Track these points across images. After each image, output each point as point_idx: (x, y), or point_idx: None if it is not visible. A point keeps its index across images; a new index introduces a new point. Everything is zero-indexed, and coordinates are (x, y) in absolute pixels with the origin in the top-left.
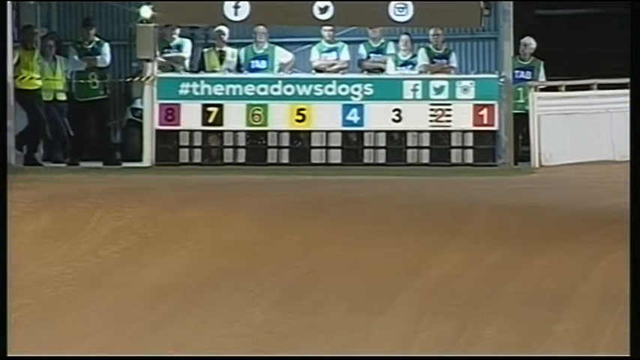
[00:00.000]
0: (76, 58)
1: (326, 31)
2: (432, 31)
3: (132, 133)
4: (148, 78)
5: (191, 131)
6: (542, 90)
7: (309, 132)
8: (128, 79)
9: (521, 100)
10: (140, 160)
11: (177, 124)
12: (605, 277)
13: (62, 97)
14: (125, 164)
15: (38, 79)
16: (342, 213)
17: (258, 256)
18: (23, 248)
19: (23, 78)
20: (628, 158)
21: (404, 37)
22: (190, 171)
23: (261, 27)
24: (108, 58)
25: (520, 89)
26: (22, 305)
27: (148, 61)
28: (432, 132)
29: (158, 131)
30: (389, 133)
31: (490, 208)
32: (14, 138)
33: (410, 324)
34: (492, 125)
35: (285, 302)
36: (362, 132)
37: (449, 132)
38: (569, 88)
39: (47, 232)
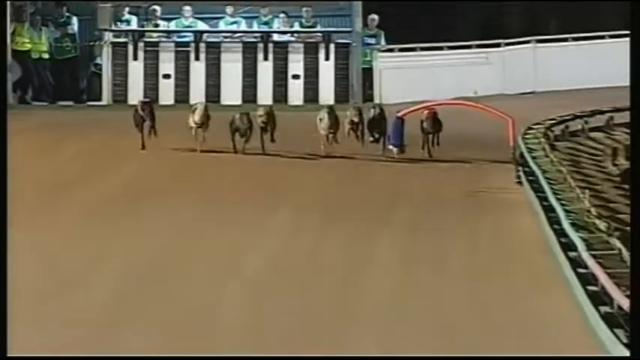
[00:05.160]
0: (52, 28)
1: (229, 8)
2: (304, 9)
3: (94, 81)
4: (106, 42)
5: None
6: (382, 51)
7: None
8: (92, 43)
9: (368, 58)
10: (100, 100)
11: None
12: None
13: (46, 56)
14: (90, 103)
15: (28, 43)
16: None
17: (192, 168)
18: (16, 160)
19: (17, 43)
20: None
21: (281, 15)
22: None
23: (188, 6)
24: (76, 27)
25: (368, 51)
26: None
27: (106, 30)
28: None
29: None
30: None
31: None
32: (11, 84)
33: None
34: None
35: (205, 202)
36: None
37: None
38: (401, 50)
39: (33, 150)
